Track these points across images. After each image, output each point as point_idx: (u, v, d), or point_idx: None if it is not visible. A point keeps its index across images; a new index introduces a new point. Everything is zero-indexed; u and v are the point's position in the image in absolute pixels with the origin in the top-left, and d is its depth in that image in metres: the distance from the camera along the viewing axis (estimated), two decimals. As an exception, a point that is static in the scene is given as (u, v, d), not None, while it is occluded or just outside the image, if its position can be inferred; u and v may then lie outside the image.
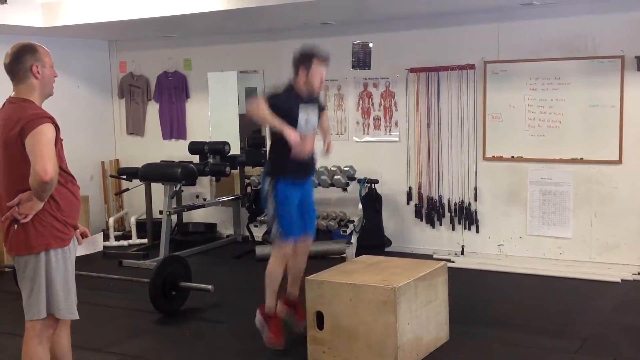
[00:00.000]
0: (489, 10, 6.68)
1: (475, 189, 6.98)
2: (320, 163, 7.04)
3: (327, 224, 7.18)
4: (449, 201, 7.13)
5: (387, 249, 7.26)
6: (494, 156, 6.89)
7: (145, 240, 8.05)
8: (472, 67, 6.87)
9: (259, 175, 6.90)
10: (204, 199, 8.37)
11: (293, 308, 4.86)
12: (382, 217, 7.35)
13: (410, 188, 7.31)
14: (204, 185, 8.47)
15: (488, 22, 6.76)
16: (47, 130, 3.20)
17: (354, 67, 7.17)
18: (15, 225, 3.28)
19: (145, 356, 4.71)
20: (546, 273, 6.34)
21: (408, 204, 7.33)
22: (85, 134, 8.59)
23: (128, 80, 8.89)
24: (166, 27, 7.67)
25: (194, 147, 8.10)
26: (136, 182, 7.98)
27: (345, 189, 7.16)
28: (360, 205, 7.16)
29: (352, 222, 7.11)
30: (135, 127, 8.93)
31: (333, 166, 7.30)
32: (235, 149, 8.29)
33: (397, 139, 7.33)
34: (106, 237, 8.15)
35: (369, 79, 7.41)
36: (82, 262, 5.62)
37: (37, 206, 3.25)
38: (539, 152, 6.67)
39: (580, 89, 6.43)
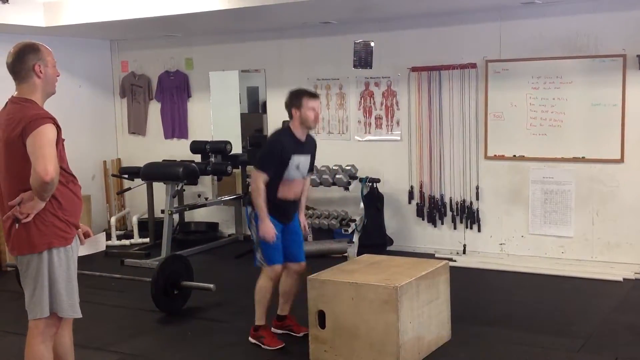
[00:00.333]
0: (490, 9, 6.68)
1: (477, 188, 6.98)
2: (321, 162, 7.09)
3: (328, 223, 7.19)
4: (450, 200, 7.13)
5: (388, 248, 7.26)
6: (495, 155, 6.89)
7: (147, 240, 8.06)
8: (473, 66, 6.87)
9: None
10: (206, 198, 8.38)
11: (287, 326, 4.88)
12: (383, 216, 7.34)
13: (412, 187, 7.31)
14: (206, 185, 8.47)
15: (489, 20, 6.76)
16: (48, 131, 3.20)
17: (355, 66, 7.18)
18: (17, 225, 3.29)
19: (147, 355, 4.71)
20: (548, 272, 6.34)
21: (410, 203, 7.33)
22: (87, 133, 8.60)
23: (130, 80, 8.90)
24: (168, 27, 7.67)
25: (196, 147, 8.09)
26: (138, 181, 7.99)
27: (347, 188, 7.16)
28: (361, 205, 7.16)
29: (354, 221, 7.11)
30: (137, 126, 8.93)
31: (335, 165, 7.30)
32: (236, 148, 8.31)
33: (399, 138, 7.33)
34: (108, 237, 8.16)
35: (371, 78, 7.40)
36: (84, 261, 5.64)
37: (38, 206, 3.25)
38: (540, 151, 6.67)
39: (582, 88, 6.42)
